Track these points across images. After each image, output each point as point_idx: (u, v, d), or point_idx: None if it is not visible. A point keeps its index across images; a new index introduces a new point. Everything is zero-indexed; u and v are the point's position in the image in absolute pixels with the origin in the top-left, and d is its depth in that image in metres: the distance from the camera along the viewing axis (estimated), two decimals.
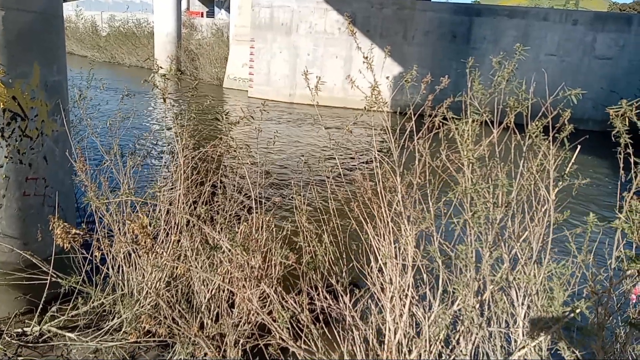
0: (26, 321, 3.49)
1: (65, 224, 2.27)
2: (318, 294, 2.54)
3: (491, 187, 2.06)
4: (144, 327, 3.25)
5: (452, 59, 14.64)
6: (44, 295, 3.44)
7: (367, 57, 2.57)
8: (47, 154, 3.65)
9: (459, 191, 2.07)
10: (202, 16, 35.90)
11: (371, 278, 2.49)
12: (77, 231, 2.27)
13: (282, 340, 2.30)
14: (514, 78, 2.43)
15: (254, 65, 17.29)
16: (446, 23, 14.99)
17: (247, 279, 2.42)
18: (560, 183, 2.07)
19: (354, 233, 2.82)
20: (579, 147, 2.23)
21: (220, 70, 20.51)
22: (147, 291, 2.98)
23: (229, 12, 34.26)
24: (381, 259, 2.49)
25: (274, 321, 2.54)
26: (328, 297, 2.52)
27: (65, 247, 2.30)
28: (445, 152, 2.43)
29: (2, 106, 3.23)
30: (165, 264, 2.76)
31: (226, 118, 3.02)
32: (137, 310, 3.11)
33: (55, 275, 3.40)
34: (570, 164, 2.19)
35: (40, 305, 3.47)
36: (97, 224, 3.35)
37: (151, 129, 11.21)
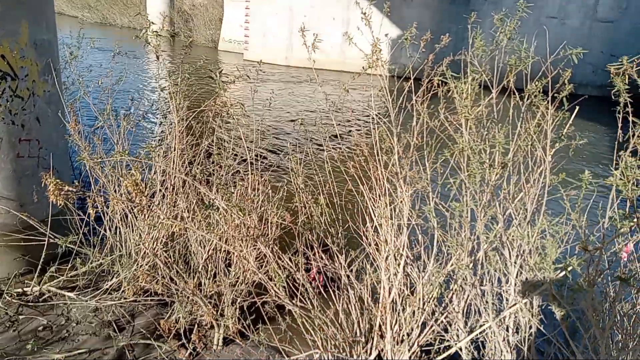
0: (26, 281, 3.53)
1: (58, 180, 2.25)
2: (314, 254, 2.57)
3: (487, 147, 2.06)
4: (143, 286, 3.30)
5: (452, 21, 14.34)
6: (42, 256, 3.47)
7: (365, 14, 2.50)
8: (39, 115, 3.60)
9: (456, 150, 2.06)
10: None
11: (367, 238, 2.51)
12: (71, 188, 2.26)
13: (279, 298, 2.34)
14: (515, 37, 2.38)
15: (249, 27, 16.90)
16: None
17: (244, 239, 2.43)
18: (557, 144, 2.06)
19: (350, 193, 2.83)
20: (577, 108, 2.21)
21: (215, 32, 20.06)
22: (145, 251, 3.00)
23: None
24: (377, 219, 2.50)
25: (270, 280, 2.58)
26: (324, 256, 2.54)
27: (59, 204, 2.29)
28: (443, 113, 2.41)
29: None
30: (162, 223, 2.77)
31: (220, 77, 2.96)
32: (135, 269, 3.14)
33: (52, 237, 3.42)
34: (568, 125, 2.18)
35: (39, 266, 3.50)
36: (92, 185, 3.34)
37: (144, 90, 11.08)
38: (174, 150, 3.07)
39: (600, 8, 13.75)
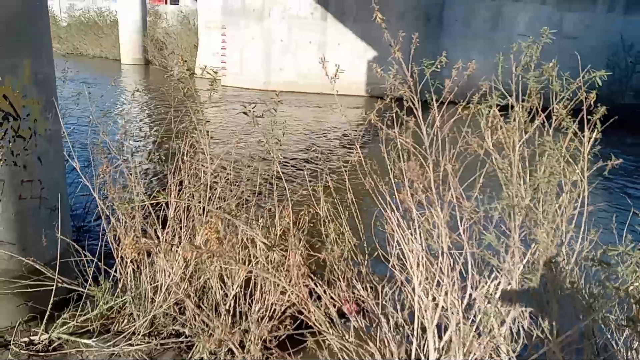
0: (32, 329, 3.35)
1: (135, 234, 2.17)
2: (347, 286, 2.53)
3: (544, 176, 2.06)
4: (161, 327, 3.18)
5: (427, 41, 14.69)
6: (51, 301, 3.31)
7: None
8: (41, 155, 3.47)
9: (502, 178, 2.07)
10: (165, 3, 34.86)
11: (401, 269, 2.47)
12: (146, 240, 2.18)
13: (319, 333, 2.28)
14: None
15: (226, 54, 16.93)
16: (420, 5, 15.02)
17: (280, 274, 2.38)
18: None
19: (367, 212, 2.80)
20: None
21: (191, 59, 20.01)
22: (166, 290, 2.90)
23: None
24: (408, 249, 2.47)
25: (301, 313, 2.52)
26: (358, 287, 2.50)
27: (125, 257, 2.19)
28: (470, 136, 2.43)
29: None
30: (187, 260, 2.68)
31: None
32: (154, 310, 3.03)
33: (61, 281, 3.28)
34: (590, 146, 2.23)
35: (47, 312, 3.33)
36: (105, 226, 3.23)
37: (131, 121, 10.90)
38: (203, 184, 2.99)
39: (565, 25, 14.38)
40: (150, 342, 2.96)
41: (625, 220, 2.61)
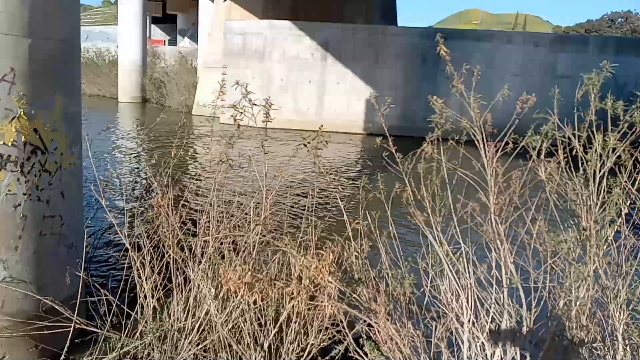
0: None
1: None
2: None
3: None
4: None
5: (423, 81, 15.04)
6: (67, 343, 3.14)
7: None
8: (64, 189, 3.39)
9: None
10: (164, 44, 35.61)
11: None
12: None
13: None
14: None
15: (225, 92, 17.13)
16: (416, 47, 15.44)
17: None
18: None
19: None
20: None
21: (189, 97, 20.23)
22: (198, 328, 2.77)
23: (193, 40, 34.09)
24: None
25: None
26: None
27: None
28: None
29: (23, 139, 2.99)
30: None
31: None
32: (184, 350, 2.88)
33: (79, 322, 3.13)
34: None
35: (63, 355, 3.16)
36: (132, 263, 3.12)
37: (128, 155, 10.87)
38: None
39: (558, 65, 14.83)
40: None
41: None
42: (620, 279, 2.07)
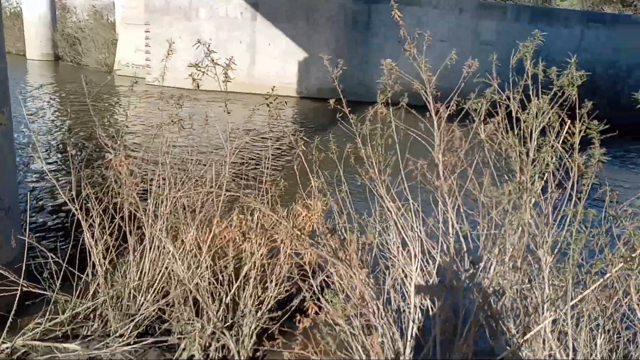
0: None
1: None
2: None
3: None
4: (144, 327, 3.07)
5: (356, 44, 15.20)
6: (14, 308, 3.04)
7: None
8: None
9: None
10: None
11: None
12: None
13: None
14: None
15: (150, 51, 16.24)
16: (348, 10, 15.46)
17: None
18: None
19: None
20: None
21: (109, 55, 18.89)
22: (150, 285, 2.82)
23: None
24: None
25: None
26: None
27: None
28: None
29: None
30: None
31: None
32: (135, 309, 2.92)
33: (26, 285, 3.04)
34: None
35: (10, 318, 3.06)
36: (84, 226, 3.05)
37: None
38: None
39: (481, 31, 15.61)
40: (126, 342, 2.84)
41: None
42: (547, 228, 2.39)
